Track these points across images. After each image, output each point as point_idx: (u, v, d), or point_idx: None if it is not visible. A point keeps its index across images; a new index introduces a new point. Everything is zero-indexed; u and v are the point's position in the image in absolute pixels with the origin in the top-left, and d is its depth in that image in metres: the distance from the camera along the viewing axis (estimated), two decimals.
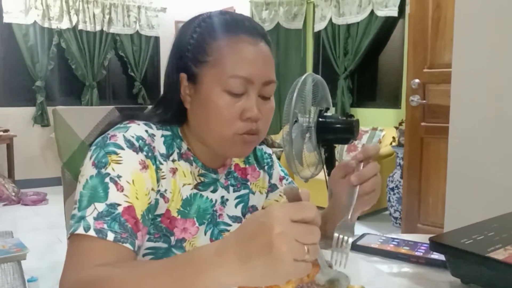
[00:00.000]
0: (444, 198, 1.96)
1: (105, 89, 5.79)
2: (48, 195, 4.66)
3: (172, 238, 0.81)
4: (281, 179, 1.02)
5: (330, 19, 4.99)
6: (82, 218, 0.67)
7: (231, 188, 0.92)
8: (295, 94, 2.03)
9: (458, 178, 1.88)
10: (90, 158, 0.73)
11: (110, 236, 0.66)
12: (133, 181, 0.71)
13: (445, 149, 1.98)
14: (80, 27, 5.33)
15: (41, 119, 5.23)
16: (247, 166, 0.96)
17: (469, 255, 0.68)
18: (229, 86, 0.76)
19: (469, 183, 1.83)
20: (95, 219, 0.66)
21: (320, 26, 5.14)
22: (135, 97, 5.81)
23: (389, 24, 4.60)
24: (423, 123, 2.93)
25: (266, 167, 0.99)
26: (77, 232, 0.66)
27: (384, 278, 0.71)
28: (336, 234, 0.69)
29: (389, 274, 0.74)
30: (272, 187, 1.01)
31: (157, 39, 5.93)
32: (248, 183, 0.95)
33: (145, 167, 0.74)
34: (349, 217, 0.72)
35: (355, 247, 0.90)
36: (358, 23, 4.72)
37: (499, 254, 0.66)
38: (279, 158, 3.81)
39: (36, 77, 5.15)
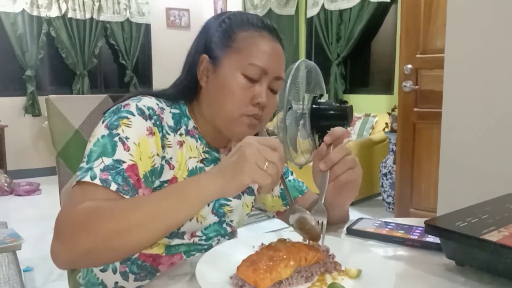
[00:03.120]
0: (436, 183, 1.97)
1: (96, 78, 5.73)
2: (41, 185, 4.64)
3: None
4: None
5: (323, 5, 4.96)
6: (90, 169, 0.74)
7: None
8: (289, 81, 2.03)
9: (450, 163, 1.90)
10: (103, 122, 0.81)
11: (113, 186, 0.73)
12: (139, 143, 0.79)
13: (437, 135, 1.99)
14: (70, 15, 5.26)
15: (32, 109, 5.18)
16: None
17: (464, 238, 0.69)
18: (247, 71, 0.85)
19: (462, 169, 1.85)
20: (102, 170, 0.73)
21: (312, 12, 5.11)
22: (127, 85, 5.76)
23: (382, 9, 4.58)
24: (415, 109, 2.94)
25: None
26: (84, 180, 0.72)
27: (379, 261, 0.72)
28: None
29: (385, 258, 0.74)
30: None
31: (148, 26, 5.87)
32: None
33: (151, 133, 0.82)
34: (322, 201, 0.79)
35: (351, 232, 0.91)
36: (350, 8, 4.69)
37: (493, 236, 0.67)
38: None
39: (26, 66, 5.09)
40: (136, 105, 0.83)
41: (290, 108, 2.05)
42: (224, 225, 0.96)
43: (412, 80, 2.89)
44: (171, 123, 0.88)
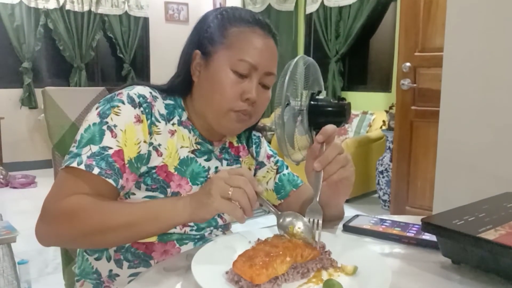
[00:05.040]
0: (433, 182, 1.98)
1: (94, 71, 5.71)
2: (37, 178, 4.63)
3: (169, 190, 0.89)
4: (268, 157, 1.10)
5: (322, 2, 4.95)
6: (78, 155, 0.79)
7: (224, 162, 1.00)
8: (287, 77, 2.02)
9: (447, 162, 1.90)
10: (97, 108, 0.85)
11: (96, 170, 0.78)
12: (125, 130, 0.83)
13: (434, 133, 1.99)
14: (68, 7, 5.23)
15: (28, 101, 5.16)
16: (239, 144, 1.05)
17: (461, 236, 0.68)
18: (236, 67, 0.86)
19: (458, 167, 1.85)
20: (88, 157, 0.79)
21: (311, 8, 5.10)
22: (124, 79, 5.74)
23: (381, 7, 4.58)
24: (413, 107, 2.94)
25: (253, 147, 1.08)
26: (72, 165, 0.78)
27: (376, 258, 0.72)
28: (306, 218, 0.77)
29: (381, 255, 0.74)
30: (260, 164, 1.09)
31: (146, 20, 5.84)
32: (240, 159, 1.04)
33: (139, 120, 0.85)
34: (317, 200, 0.79)
35: (347, 228, 0.91)
36: (350, 5, 4.68)
37: (490, 235, 0.67)
38: (270, 142, 3.81)
39: (23, 58, 5.06)
40: (128, 93, 0.86)
41: (288, 104, 2.04)
42: (215, 216, 0.97)
43: (410, 78, 2.89)
44: (163, 111, 0.90)
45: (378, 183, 3.78)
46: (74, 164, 0.78)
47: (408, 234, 0.85)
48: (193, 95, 0.93)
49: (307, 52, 5.41)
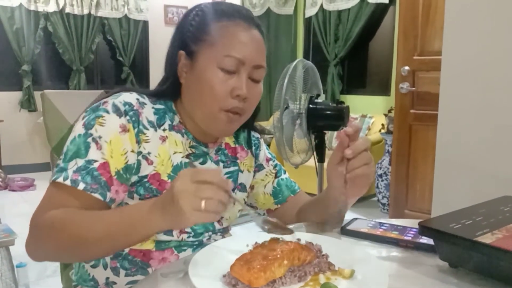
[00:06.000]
0: (432, 185, 1.98)
1: (93, 74, 5.71)
2: (36, 181, 4.62)
3: None
4: (267, 160, 1.09)
5: (321, 5, 4.96)
6: (65, 169, 0.79)
7: (221, 164, 0.98)
8: (286, 80, 2.03)
9: (446, 165, 1.90)
10: (83, 118, 0.83)
11: (81, 186, 0.77)
12: (110, 141, 0.81)
13: (433, 137, 1.99)
14: (67, 10, 5.23)
15: (28, 104, 5.15)
16: (236, 145, 1.02)
17: (458, 239, 0.69)
18: (223, 64, 0.83)
19: (457, 171, 1.85)
20: (74, 172, 0.78)
21: (311, 12, 5.11)
22: (124, 82, 5.74)
23: (380, 11, 4.59)
24: (412, 110, 2.95)
25: (253, 148, 1.06)
26: (58, 180, 0.78)
27: (373, 262, 0.72)
28: None
29: (379, 258, 0.75)
30: (259, 167, 1.07)
31: (145, 23, 5.84)
32: (238, 161, 1.01)
33: (124, 130, 0.82)
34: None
35: (345, 232, 0.91)
36: (349, 9, 4.70)
37: (487, 238, 0.67)
38: (269, 145, 3.82)
39: (23, 61, 5.06)
40: (113, 102, 0.83)
41: (286, 107, 2.05)
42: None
43: (409, 82, 2.89)
44: (152, 118, 0.87)
45: (377, 186, 3.78)
46: (60, 180, 0.77)
47: (405, 238, 0.85)
48: (183, 98, 0.91)
49: (306, 55, 5.42)
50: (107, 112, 0.82)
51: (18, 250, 2.31)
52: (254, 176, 1.06)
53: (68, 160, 0.79)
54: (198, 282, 0.63)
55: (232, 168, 1.00)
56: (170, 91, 0.90)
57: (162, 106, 0.90)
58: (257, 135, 1.09)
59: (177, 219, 0.67)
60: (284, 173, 1.10)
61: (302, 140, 2.14)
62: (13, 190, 4.46)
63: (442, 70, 1.90)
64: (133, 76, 5.77)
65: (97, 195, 0.78)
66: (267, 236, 0.77)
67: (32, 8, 5.05)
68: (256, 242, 0.76)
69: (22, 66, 5.06)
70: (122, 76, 5.75)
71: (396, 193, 3.08)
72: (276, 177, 1.08)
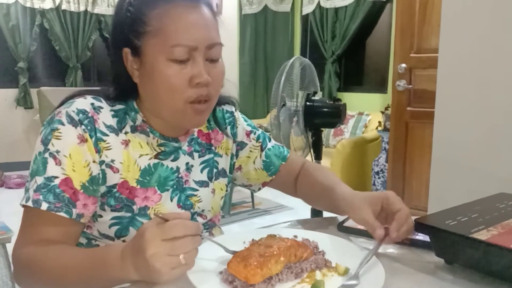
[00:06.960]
0: (428, 182, 1.98)
1: (90, 71, 5.68)
2: None
3: (134, 207, 0.82)
4: (248, 134, 1.02)
5: (318, 2, 4.96)
6: (27, 190, 0.76)
7: (195, 154, 0.92)
8: (283, 78, 2.03)
9: (442, 163, 1.91)
10: (40, 134, 0.79)
11: (44, 206, 0.73)
12: (70, 154, 0.76)
13: (430, 134, 2.00)
14: (64, 7, 5.21)
15: (24, 101, 5.13)
16: (210, 131, 0.96)
17: (454, 236, 0.69)
18: (173, 55, 0.75)
19: (453, 168, 1.86)
20: (34, 191, 0.74)
21: (308, 9, 5.11)
22: None
23: (377, 8, 4.59)
24: (409, 108, 2.95)
25: (228, 128, 0.99)
26: (22, 203, 0.75)
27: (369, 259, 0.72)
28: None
29: (375, 255, 0.75)
30: (240, 145, 1.01)
31: None
32: (213, 148, 0.96)
33: (83, 140, 0.77)
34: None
35: (342, 228, 0.91)
36: (346, 6, 4.70)
37: (482, 235, 0.68)
38: None
39: (19, 58, 5.04)
40: (67, 111, 0.78)
41: (283, 105, 2.05)
42: (195, 216, 0.91)
43: (406, 79, 2.90)
44: (111, 121, 0.81)
45: (374, 184, 3.79)
46: (24, 201, 0.75)
47: None
48: (142, 97, 0.83)
49: (303, 53, 5.42)
50: (62, 123, 0.76)
51: None
52: (238, 155, 1.01)
53: (29, 180, 0.76)
54: (195, 279, 0.64)
55: (207, 156, 0.94)
56: (126, 92, 0.83)
57: (122, 106, 0.83)
58: (231, 108, 1.00)
59: (154, 278, 0.62)
60: (270, 140, 1.04)
61: (299, 137, 2.14)
62: (10, 188, 4.44)
63: (439, 67, 1.90)
64: None
65: (62, 214, 0.74)
66: (264, 233, 0.77)
67: (28, 5, 5.02)
68: (252, 239, 0.77)
69: (18, 63, 5.04)
70: None
71: (392, 190, 3.08)
72: (262, 149, 1.01)
